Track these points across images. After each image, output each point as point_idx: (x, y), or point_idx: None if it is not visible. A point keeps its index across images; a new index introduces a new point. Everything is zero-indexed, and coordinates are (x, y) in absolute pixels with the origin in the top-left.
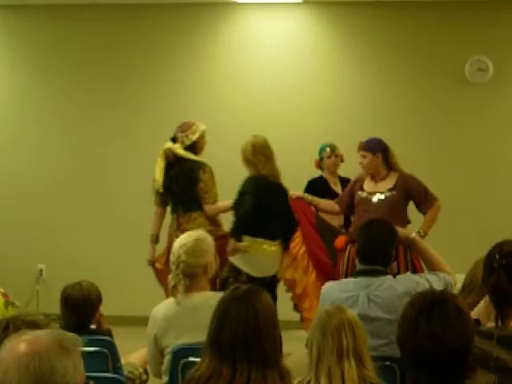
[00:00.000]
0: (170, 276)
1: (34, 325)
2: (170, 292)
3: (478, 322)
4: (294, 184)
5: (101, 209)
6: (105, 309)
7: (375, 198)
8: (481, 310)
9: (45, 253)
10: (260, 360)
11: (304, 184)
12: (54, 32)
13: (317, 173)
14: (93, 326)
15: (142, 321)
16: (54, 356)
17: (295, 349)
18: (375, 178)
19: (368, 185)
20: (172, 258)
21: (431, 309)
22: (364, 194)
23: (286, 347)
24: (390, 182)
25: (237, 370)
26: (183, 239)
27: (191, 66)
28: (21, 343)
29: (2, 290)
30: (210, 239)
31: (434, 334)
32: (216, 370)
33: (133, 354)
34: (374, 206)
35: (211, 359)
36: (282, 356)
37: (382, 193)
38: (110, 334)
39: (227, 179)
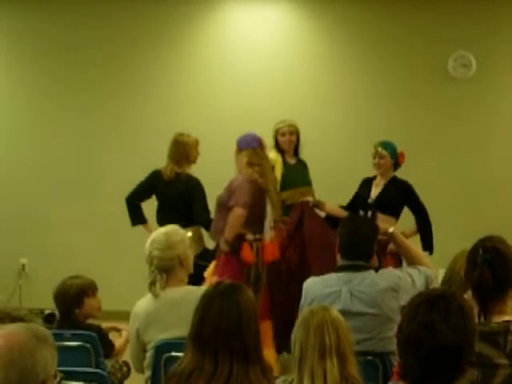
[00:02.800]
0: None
1: (19, 319)
2: (149, 289)
3: None
4: None
5: (84, 203)
6: None
7: None
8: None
9: (27, 247)
10: (242, 355)
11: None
12: (34, 28)
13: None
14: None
15: (127, 316)
16: (34, 348)
17: None
18: None
19: None
20: (145, 256)
21: (435, 301)
22: None
23: None
24: None
25: (218, 364)
26: (153, 235)
27: (175, 64)
28: (1, 338)
29: None
30: (181, 232)
31: (429, 325)
32: (198, 364)
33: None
34: None
35: (193, 353)
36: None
37: None
38: (99, 330)
39: (216, 175)
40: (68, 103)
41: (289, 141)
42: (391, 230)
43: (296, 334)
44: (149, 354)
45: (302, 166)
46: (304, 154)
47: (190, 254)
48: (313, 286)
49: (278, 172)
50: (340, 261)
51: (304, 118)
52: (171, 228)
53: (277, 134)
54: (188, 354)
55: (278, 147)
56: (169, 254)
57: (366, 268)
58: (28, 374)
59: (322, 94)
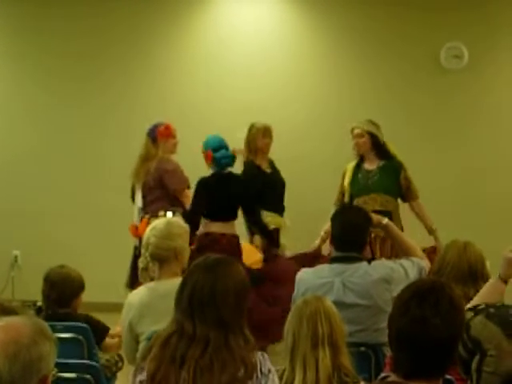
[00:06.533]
0: (139, 259)
1: (12, 311)
2: (139, 275)
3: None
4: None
5: (76, 195)
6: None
7: None
8: (486, 297)
9: (20, 239)
10: (218, 324)
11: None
12: (27, 21)
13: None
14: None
15: (118, 307)
16: (38, 342)
17: None
18: None
19: None
20: (142, 241)
21: (425, 295)
22: None
23: None
24: None
25: (196, 329)
26: (155, 223)
27: (168, 56)
28: (4, 330)
29: None
30: (183, 226)
31: (422, 320)
32: (179, 327)
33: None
34: None
35: (176, 317)
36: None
37: None
38: (87, 319)
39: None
40: (63, 93)
41: (356, 144)
42: (385, 221)
43: (289, 323)
44: (141, 346)
45: (385, 169)
46: (298, 145)
47: (188, 249)
48: (305, 277)
49: (345, 181)
50: (333, 252)
51: (299, 109)
52: (175, 219)
53: (351, 136)
54: (172, 319)
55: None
56: (165, 244)
57: (359, 259)
58: (31, 368)
59: (316, 84)
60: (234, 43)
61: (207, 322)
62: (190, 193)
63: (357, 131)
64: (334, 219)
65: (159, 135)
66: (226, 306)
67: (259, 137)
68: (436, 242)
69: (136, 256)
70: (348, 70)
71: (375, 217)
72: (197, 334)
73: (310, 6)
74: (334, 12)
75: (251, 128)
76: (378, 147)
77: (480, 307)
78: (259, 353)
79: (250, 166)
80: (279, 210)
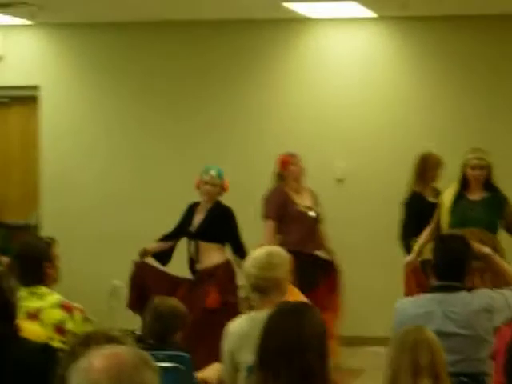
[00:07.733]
0: (243, 288)
1: (114, 340)
2: (241, 304)
3: None
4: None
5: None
6: None
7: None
8: None
9: (119, 269)
10: (303, 373)
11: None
12: (120, 50)
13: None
14: None
15: None
16: (141, 371)
17: (365, 365)
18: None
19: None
20: (243, 271)
21: None
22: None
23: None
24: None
25: (280, 379)
26: (256, 253)
27: (264, 82)
28: (107, 357)
29: (79, 306)
30: (283, 255)
31: None
32: (263, 378)
33: (205, 371)
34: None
35: (258, 373)
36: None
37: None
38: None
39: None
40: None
41: (478, 175)
42: (486, 250)
43: (389, 353)
44: (242, 375)
45: (490, 202)
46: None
47: (289, 278)
48: (405, 306)
49: (442, 216)
50: (434, 281)
51: (391, 138)
52: (275, 249)
53: (465, 166)
54: (255, 373)
55: (464, 179)
56: (265, 274)
57: (460, 288)
58: None
59: (411, 113)
60: (334, 71)
61: (293, 371)
62: (272, 226)
63: (482, 163)
64: (435, 248)
65: (281, 170)
66: (313, 351)
67: (435, 168)
68: None
69: None
70: (443, 97)
71: (476, 245)
72: None
73: (407, 36)
74: (430, 38)
75: (426, 159)
76: (488, 179)
77: None
78: None
79: (418, 199)
80: None
